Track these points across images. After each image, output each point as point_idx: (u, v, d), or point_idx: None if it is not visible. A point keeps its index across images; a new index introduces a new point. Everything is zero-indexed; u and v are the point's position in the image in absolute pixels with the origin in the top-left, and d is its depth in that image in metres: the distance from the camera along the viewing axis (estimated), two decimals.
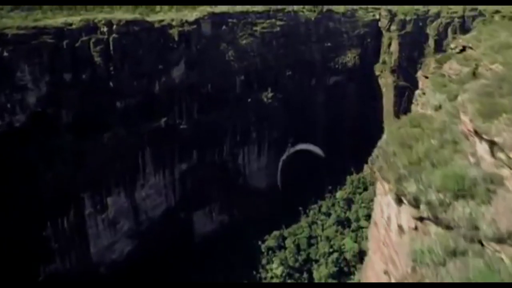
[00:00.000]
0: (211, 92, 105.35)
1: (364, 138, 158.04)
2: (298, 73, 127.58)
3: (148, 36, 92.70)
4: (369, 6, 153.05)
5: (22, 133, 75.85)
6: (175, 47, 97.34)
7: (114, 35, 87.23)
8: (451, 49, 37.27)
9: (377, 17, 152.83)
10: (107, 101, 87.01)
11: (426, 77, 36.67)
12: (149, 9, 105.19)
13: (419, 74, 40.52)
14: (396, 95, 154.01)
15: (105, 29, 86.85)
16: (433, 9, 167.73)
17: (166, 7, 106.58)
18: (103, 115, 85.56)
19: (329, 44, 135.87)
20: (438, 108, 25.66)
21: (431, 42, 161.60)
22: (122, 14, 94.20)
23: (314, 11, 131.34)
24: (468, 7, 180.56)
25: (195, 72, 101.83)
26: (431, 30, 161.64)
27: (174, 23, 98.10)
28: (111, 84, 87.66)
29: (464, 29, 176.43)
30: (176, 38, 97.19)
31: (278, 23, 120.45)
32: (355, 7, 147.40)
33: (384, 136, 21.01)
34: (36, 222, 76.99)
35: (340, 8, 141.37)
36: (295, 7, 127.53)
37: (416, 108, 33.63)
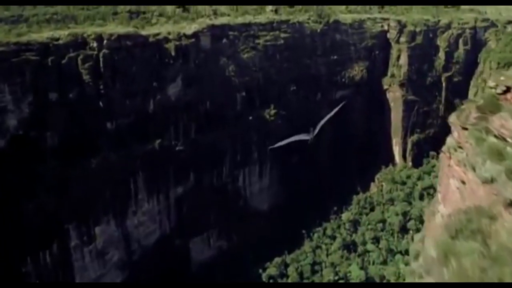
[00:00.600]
0: (210, 110, 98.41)
1: (371, 155, 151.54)
2: (302, 88, 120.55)
3: (142, 51, 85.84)
4: (377, 16, 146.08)
5: (1, 158, 68.87)
6: (172, 63, 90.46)
7: (104, 50, 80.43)
8: (491, 87, 30.08)
9: (386, 28, 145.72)
10: (96, 122, 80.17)
11: (465, 129, 29.36)
12: (144, 21, 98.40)
13: (454, 120, 33.04)
14: (405, 110, 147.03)
15: (94, 44, 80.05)
16: (444, 19, 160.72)
17: (163, 19, 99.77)
18: (92, 138, 78.65)
19: (335, 57, 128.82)
20: (489, 181, 19.47)
21: (441, 55, 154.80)
22: (115, 27, 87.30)
23: (320, 22, 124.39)
24: (480, 17, 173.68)
25: (193, 89, 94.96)
26: (441, 42, 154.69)
27: (170, 36, 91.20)
28: (101, 103, 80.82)
29: (476, 40, 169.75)
30: (173, 53, 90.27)
31: (282, 35, 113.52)
32: (363, 17, 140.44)
33: None
34: (15, 258, 69.92)
35: (347, 19, 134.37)
36: (300, 18, 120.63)
37: (447, 162, 26.91)
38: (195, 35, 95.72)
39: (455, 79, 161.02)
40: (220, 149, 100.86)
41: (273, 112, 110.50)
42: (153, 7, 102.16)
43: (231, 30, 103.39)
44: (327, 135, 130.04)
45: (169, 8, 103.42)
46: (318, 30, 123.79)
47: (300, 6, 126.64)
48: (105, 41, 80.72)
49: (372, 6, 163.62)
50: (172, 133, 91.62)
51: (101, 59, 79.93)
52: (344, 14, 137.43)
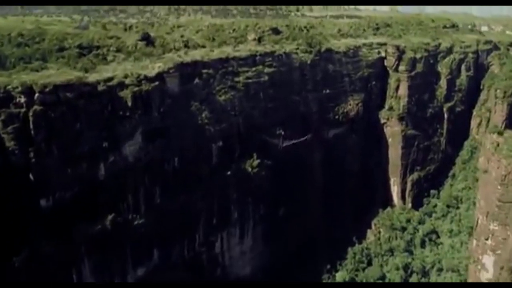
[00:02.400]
0: (179, 168, 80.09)
1: (368, 197, 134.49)
2: (290, 129, 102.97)
3: (88, 104, 67.02)
4: (374, 42, 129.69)
5: None
6: (128, 115, 71.66)
7: (36, 107, 61.34)
8: None
9: (383, 54, 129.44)
10: (25, 202, 60.86)
11: None
12: (98, 58, 79.29)
13: None
14: (404, 146, 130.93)
15: (22, 99, 60.87)
16: (444, 42, 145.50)
17: (121, 55, 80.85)
18: (17, 225, 59.33)
19: (327, 91, 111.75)
20: None
21: (443, 83, 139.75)
22: (55, 72, 68.18)
23: (311, 51, 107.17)
24: (482, 40, 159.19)
25: (156, 144, 76.41)
26: (443, 68, 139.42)
27: (127, 81, 72.52)
28: (31, 176, 61.53)
29: (478, 64, 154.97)
30: (130, 103, 71.51)
31: (267, 70, 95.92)
32: (358, 43, 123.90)
33: None
34: None
35: (341, 46, 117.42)
36: (288, 48, 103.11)
37: None
38: (160, 76, 77.36)
39: (458, 109, 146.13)
40: (192, 214, 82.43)
41: (256, 162, 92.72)
42: (110, 41, 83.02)
43: (205, 67, 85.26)
44: (318, 179, 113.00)
45: (130, 41, 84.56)
46: (309, 61, 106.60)
47: (287, 34, 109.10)
48: (36, 94, 61.70)
49: (366, 29, 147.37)
50: (130, 203, 72.94)
51: (31, 119, 60.72)
52: (337, 40, 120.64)
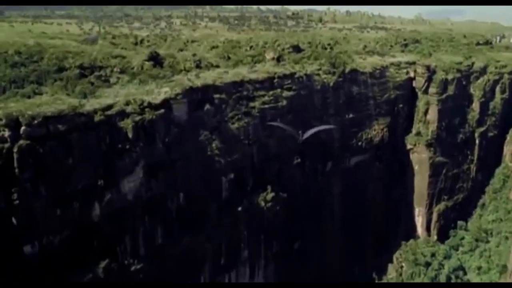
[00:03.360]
0: (184, 206, 72.20)
1: (390, 229, 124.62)
2: (309, 158, 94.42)
3: (83, 136, 59.53)
4: (402, 61, 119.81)
5: None
6: (128, 148, 63.94)
7: (22, 141, 54.01)
8: None
9: (412, 74, 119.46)
10: (5, 249, 53.53)
11: None
12: (100, 80, 71.88)
13: None
14: (432, 175, 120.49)
15: (7, 132, 53.60)
16: (478, 61, 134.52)
17: (125, 77, 73.22)
18: None
19: (351, 115, 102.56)
20: None
21: (475, 106, 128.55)
22: (49, 99, 60.85)
23: (334, 73, 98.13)
24: None
25: (160, 179, 68.75)
26: (476, 90, 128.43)
27: (129, 108, 64.79)
28: (14, 220, 54.22)
29: None
30: (130, 134, 63.75)
31: (285, 93, 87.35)
32: (385, 63, 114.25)
33: None
34: None
35: (367, 66, 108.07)
36: (309, 69, 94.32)
37: None
38: (166, 103, 69.55)
39: (490, 134, 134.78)
40: (197, 255, 74.27)
41: (270, 196, 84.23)
42: (114, 61, 75.51)
43: (217, 92, 77.11)
44: (337, 210, 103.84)
45: (136, 61, 76.96)
46: (331, 83, 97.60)
47: (309, 52, 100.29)
48: (23, 127, 54.28)
49: (394, 45, 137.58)
50: (128, 247, 65.13)
51: (15, 155, 53.37)
52: (363, 59, 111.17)
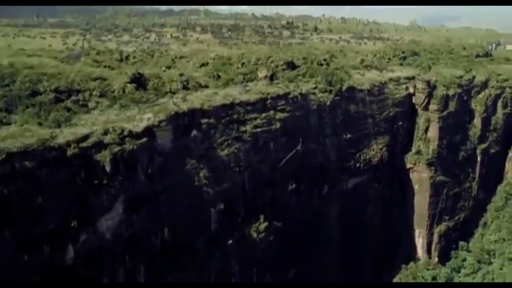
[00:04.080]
0: (170, 240, 66.33)
1: (389, 251, 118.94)
2: (304, 182, 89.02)
3: (54, 173, 53.67)
4: (401, 76, 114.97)
5: None
6: (106, 183, 58.10)
7: None
8: None
9: (411, 90, 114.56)
10: None
11: None
12: (77, 105, 66.05)
13: None
14: (433, 195, 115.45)
15: None
16: (479, 75, 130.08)
17: (105, 103, 67.45)
18: None
19: (348, 135, 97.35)
20: None
21: (477, 122, 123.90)
22: (18, 132, 54.86)
23: (330, 91, 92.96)
24: None
25: (142, 214, 62.90)
26: (477, 105, 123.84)
27: (107, 138, 59.02)
28: None
29: None
30: (109, 168, 57.94)
31: (279, 115, 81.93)
32: (383, 78, 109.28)
33: None
34: None
35: (365, 83, 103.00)
36: (304, 88, 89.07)
37: None
38: (148, 131, 63.70)
39: (492, 150, 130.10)
40: None
41: (263, 226, 78.66)
42: (93, 84, 69.61)
43: (205, 116, 71.54)
44: (334, 235, 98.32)
45: (118, 83, 71.17)
46: (328, 102, 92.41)
47: (304, 69, 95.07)
48: None
49: (392, 57, 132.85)
50: None
51: None
52: (360, 75, 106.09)
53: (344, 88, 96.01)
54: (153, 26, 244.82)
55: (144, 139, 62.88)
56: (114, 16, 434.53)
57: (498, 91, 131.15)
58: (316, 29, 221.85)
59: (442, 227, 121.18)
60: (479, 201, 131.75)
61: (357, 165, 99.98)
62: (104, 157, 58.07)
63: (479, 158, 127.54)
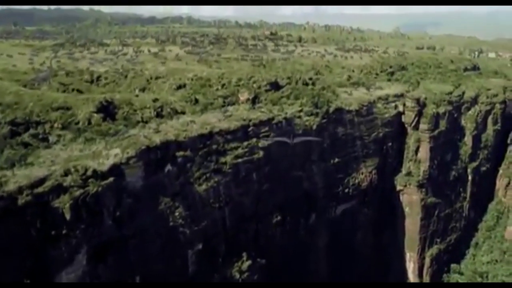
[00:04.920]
0: None
1: (379, 277, 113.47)
2: (290, 213, 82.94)
3: (2, 225, 46.39)
4: (390, 93, 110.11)
5: None
6: (65, 233, 51.04)
7: None
8: None
9: (400, 108, 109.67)
10: None
11: None
12: (38, 139, 58.96)
13: None
14: (424, 217, 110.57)
15: None
16: (469, 91, 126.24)
17: (68, 136, 60.54)
18: None
19: (336, 159, 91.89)
20: None
21: (468, 139, 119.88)
22: None
23: (317, 113, 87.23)
24: (509, 86, 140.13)
25: (109, 263, 55.82)
26: (467, 123, 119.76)
27: (68, 180, 52.15)
28: None
29: (505, 114, 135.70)
30: (68, 215, 50.98)
31: (261, 143, 75.66)
32: (372, 98, 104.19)
33: None
34: None
35: (353, 103, 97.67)
36: (289, 112, 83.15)
37: None
38: (116, 170, 56.81)
39: (483, 168, 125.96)
40: None
41: (246, 265, 72.29)
42: (55, 114, 62.52)
43: (181, 148, 65.02)
44: (322, 265, 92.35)
45: (83, 113, 64.19)
46: (314, 126, 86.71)
47: (289, 90, 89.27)
48: None
49: (379, 73, 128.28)
50: None
51: None
52: (348, 94, 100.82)
53: (331, 109, 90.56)
54: (133, 37, 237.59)
55: (111, 179, 56.08)
56: (95, 24, 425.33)
57: (488, 107, 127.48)
58: (300, 39, 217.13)
59: (433, 250, 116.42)
60: (470, 221, 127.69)
61: (346, 190, 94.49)
62: (64, 203, 51.14)
63: (470, 177, 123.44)
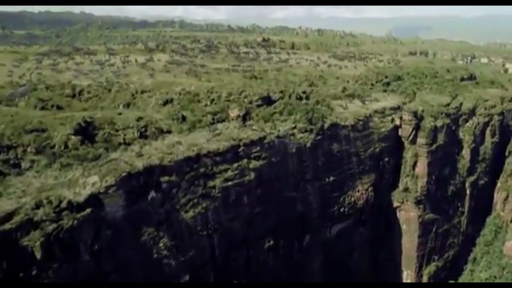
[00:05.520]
0: None
1: None
2: (283, 236, 78.54)
3: None
4: (386, 106, 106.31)
5: None
6: (35, 274, 46.25)
7: None
8: None
9: (397, 121, 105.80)
10: None
11: None
12: (9, 164, 54.09)
13: None
14: (422, 234, 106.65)
15: None
16: (466, 102, 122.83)
17: (42, 162, 55.75)
18: None
19: (331, 178, 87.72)
20: None
21: (466, 153, 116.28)
22: None
23: (311, 130, 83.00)
24: (507, 95, 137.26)
25: None
26: (465, 135, 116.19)
27: (39, 214, 47.47)
28: None
29: (503, 126, 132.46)
30: (39, 254, 46.19)
31: (253, 164, 71.42)
32: (368, 111, 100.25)
33: None
34: None
35: (348, 117, 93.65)
36: (282, 129, 78.82)
37: None
38: (93, 199, 52.05)
39: (481, 182, 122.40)
40: None
41: None
42: (28, 137, 57.65)
43: (166, 173, 60.40)
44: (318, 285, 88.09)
45: (60, 136, 59.37)
46: (309, 144, 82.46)
47: (281, 106, 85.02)
48: None
49: (374, 83, 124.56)
50: None
51: None
52: (343, 108, 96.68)
53: (326, 125, 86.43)
54: (123, 43, 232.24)
55: (88, 210, 51.40)
56: (85, 28, 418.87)
57: (486, 119, 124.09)
58: (293, 46, 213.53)
59: (431, 267, 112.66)
60: (468, 236, 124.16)
61: (341, 209, 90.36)
62: (34, 240, 46.40)
63: (468, 191, 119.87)
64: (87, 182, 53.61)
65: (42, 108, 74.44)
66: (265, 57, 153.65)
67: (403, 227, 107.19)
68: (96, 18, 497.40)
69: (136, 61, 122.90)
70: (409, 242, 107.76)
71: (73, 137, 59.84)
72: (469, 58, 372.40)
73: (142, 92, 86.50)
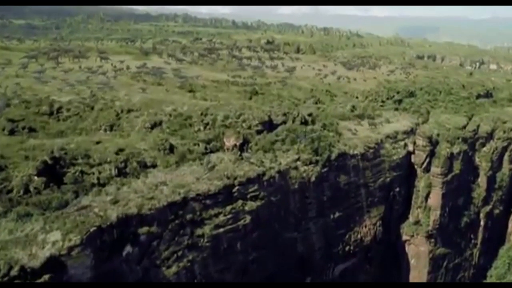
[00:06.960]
0: None
1: None
2: (284, 278, 69.33)
3: None
4: (399, 130, 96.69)
5: None
6: None
7: None
8: None
9: (410, 147, 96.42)
10: None
11: None
12: None
13: None
14: (431, 271, 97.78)
15: None
16: (484, 124, 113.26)
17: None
18: None
19: (337, 214, 78.55)
20: None
21: (482, 181, 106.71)
22: None
23: (317, 162, 73.59)
24: None
25: None
26: (482, 161, 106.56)
27: None
28: None
29: None
30: None
31: (249, 205, 62.23)
32: (379, 136, 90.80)
33: None
34: None
35: (358, 144, 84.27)
36: (284, 162, 69.46)
37: None
38: (53, 263, 42.95)
39: (496, 211, 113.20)
40: None
41: None
42: None
43: (144, 223, 51.12)
44: None
45: (19, 179, 50.19)
46: (313, 178, 73.05)
47: (284, 132, 75.59)
48: None
49: (385, 100, 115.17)
50: None
51: None
52: (352, 134, 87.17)
53: (333, 156, 76.98)
54: (122, 39, 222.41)
55: (46, 277, 42.24)
56: (86, 20, 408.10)
57: (505, 143, 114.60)
58: (298, 49, 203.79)
59: None
60: (480, 269, 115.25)
61: (346, 248, 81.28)
62: None
63: (482, 222, 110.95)
64: (46, 240, 44.38)
65: (11, 132, 65.10)
66: (268, 65, 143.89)
67: (412, 262, 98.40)
68: (97, 9, 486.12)
69: (128, 68, 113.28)
70: (418, 278, 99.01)
71: (36, 178, 50.49)
72: (477, 63, 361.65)
73: (129, 111, 77.15)
